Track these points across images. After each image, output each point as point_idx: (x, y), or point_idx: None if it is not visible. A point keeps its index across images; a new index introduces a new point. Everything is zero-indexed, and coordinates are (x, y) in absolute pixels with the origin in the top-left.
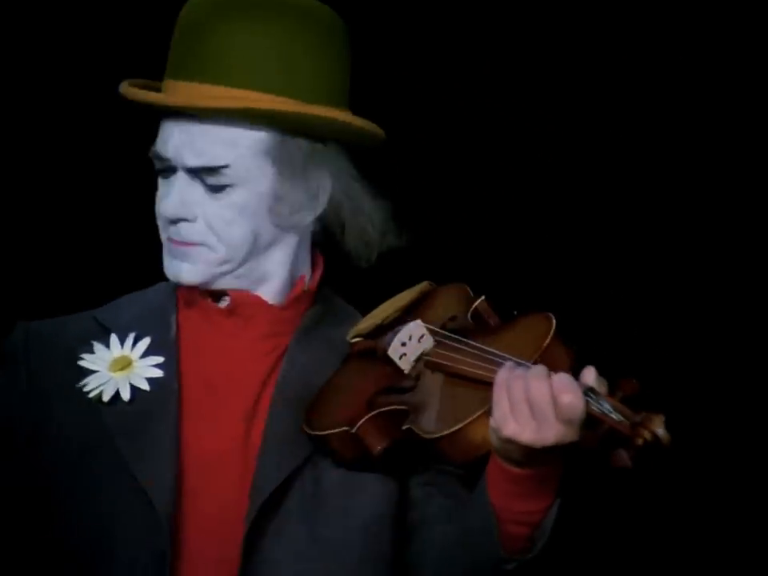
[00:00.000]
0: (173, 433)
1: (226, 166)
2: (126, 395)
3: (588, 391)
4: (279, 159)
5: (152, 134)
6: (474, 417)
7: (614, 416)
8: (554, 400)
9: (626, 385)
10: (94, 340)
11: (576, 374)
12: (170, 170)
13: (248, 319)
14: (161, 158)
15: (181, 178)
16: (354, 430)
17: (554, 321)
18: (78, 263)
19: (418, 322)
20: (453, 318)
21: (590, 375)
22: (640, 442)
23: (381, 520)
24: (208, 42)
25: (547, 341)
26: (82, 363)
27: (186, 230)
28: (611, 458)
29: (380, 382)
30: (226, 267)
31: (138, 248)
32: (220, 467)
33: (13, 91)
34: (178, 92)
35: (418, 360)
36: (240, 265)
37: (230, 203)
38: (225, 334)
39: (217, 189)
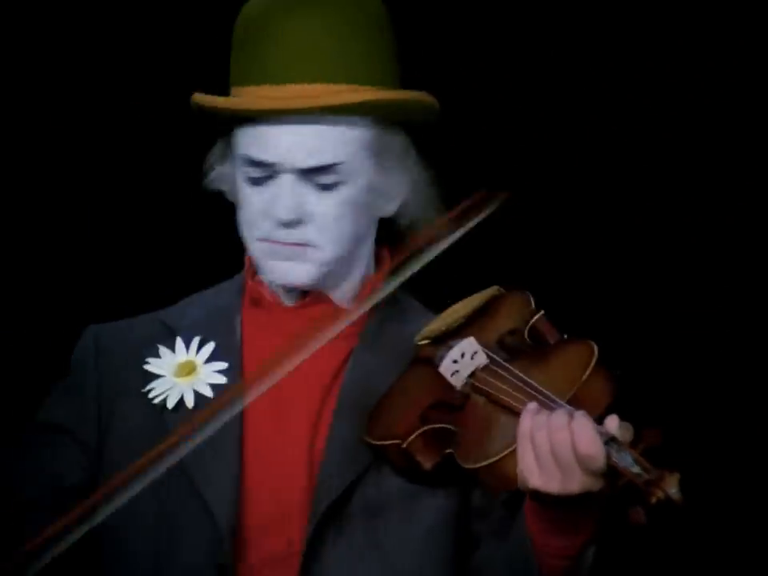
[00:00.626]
0: (235, 441)
1: (339, 164)
2: (189, 402)
3: (610, 441)
4: (378, 151)
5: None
6: (510, 450)
7: (634, 470)
8: (578, 449)
9: (648, 436)
10: (160, 343)
11: (617, 401)
12: (271, 175)
13: (316, 321)
14: (262, 164)
15: (288, 180)
16: (404, 445)
17: (596, 350)
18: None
19: (471, 339)
20: (512, 332)
21: (612, 424)
22: (653, 500)
23: (442, 529)
24: (288, 42)
25: (586, 373)
26: (147, 367)
27: (297, 231)
28: (628, 512)
29: (435, 393)
30: (330, 266)
31: (194, 249)
32: (283, 474)
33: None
34: (275, 96)
35: (470, 376)
36: (338, 263)
37: (339, 200)
38: (288, 336)
39: (328, 187)
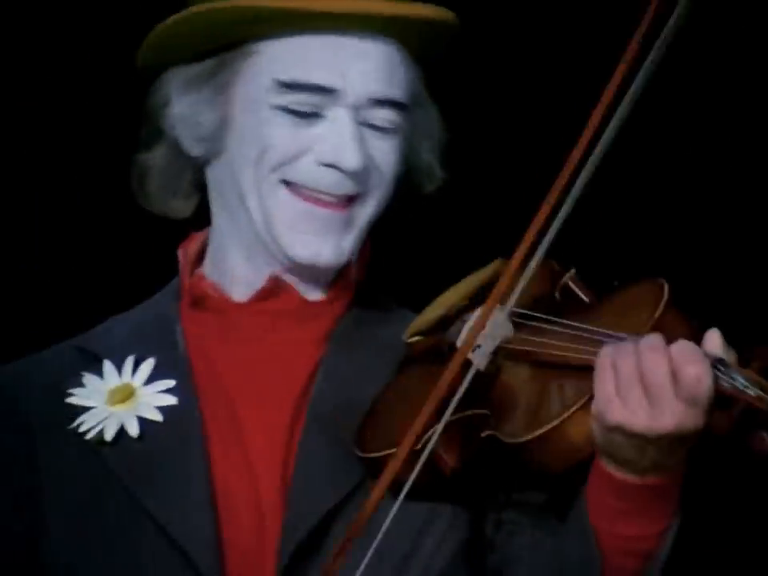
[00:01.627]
0: (200, 468)
1: (405, 103)
2: (133, 431)
3: (716, 363)
4: (419, 97)
5: None
6: (573, 410)
7: (752, 391)
8: (674, 374)
9: (762, 353)
10: (84, 371)
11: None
12: (319, 109)
13: (275, 318)
14: (320, 90)
15: (347, 116)
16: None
17: (667, 287)
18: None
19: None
20: (537, 299)
21: (715, 342)
22: None
23: (449, 567)
24: None
25: (659, 311)
26: (72, 400)
27: (353, 182)
28: (752, 445)
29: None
30: (363, 234)
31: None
32: (256, 502)
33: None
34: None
35: (495, 353)
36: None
37: (395, 147)
38: (243, 339)
39: (387, 130)
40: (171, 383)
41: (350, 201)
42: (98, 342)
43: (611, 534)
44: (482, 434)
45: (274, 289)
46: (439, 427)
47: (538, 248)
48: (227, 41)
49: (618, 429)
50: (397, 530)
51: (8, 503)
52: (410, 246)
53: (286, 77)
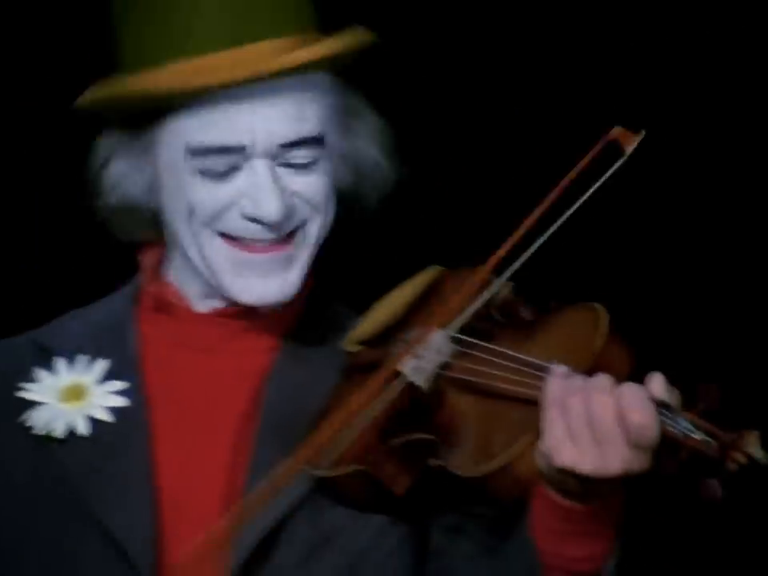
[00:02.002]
0: (144, 470)
1: (321, 135)
2: (83, 430)
3: (662, 407)
4: (342, 110)
5: None
6: (522, 447)
7: (697, 436)
8: (620, 419)
9: (705, 393)
10: (36, 366)
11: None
12: (235, 166)
13: (232, 329)
14: (229, 151)
15: (263, 166)
16: (368, 469)
17: (605, 317)
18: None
19: (432, 327)
20: (478, 317)
21: (658, 385)
22: (733, 467)
23: (395, 574)
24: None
25: (601, 342)
26: (22, 394)
27: (286, 223)
28: (700, 491)
29: (395, 403)
30: (306, 266)
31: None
32: (200, 509)
33: None
34: (231, 64)
35: (438, 378)
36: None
37: (320, 177)
38: (200, 348)
39: (307, 165)
40: (123, 385)
41: (289, 236)
42: (52, 337)
43: (554, 555)
44: (430, 463)
45: (230, 307)
46: (385, 450)
47: (494, 282)
48: (143, 110)
49: (567, 470)
50: (339, 538)
51: None
52: (359, 250)
53: (195, 143)
